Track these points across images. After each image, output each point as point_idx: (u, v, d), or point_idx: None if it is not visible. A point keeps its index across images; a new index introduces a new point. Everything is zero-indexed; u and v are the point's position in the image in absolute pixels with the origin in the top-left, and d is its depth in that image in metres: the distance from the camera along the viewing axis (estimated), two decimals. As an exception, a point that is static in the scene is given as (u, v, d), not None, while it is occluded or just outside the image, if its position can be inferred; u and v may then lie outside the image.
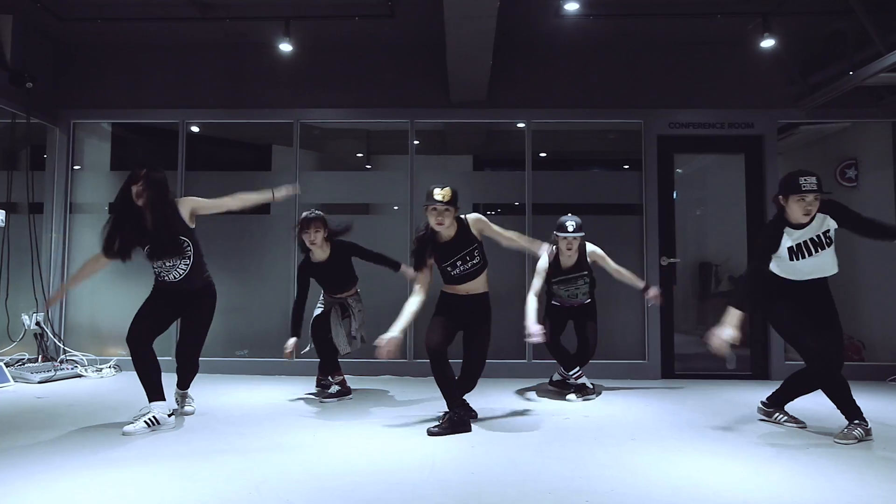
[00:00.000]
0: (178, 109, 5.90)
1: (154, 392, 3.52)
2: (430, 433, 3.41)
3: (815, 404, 3.80)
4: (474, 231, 3.67)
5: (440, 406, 4.00)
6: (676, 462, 2.89)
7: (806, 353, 3.40)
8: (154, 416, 3.44)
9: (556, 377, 4.84)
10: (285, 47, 5.37)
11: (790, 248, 3.40)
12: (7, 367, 5.00)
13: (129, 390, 4.66)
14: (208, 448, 3.10)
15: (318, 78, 5.91)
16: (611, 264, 4.62)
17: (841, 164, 6.29)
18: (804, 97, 5.57)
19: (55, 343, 5.68)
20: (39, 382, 4.99)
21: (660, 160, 5.76)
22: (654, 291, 4.65)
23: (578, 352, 4.70)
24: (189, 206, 3.68)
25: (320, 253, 4.36)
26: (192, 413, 3.90)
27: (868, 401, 4.46)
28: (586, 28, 5.43)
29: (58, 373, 5.18)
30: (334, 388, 4.49)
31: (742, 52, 5.67)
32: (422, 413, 3.94)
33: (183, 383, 3.94)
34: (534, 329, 4.05)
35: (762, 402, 3.84)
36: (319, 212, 4.39)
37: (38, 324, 5.59)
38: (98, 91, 5.98)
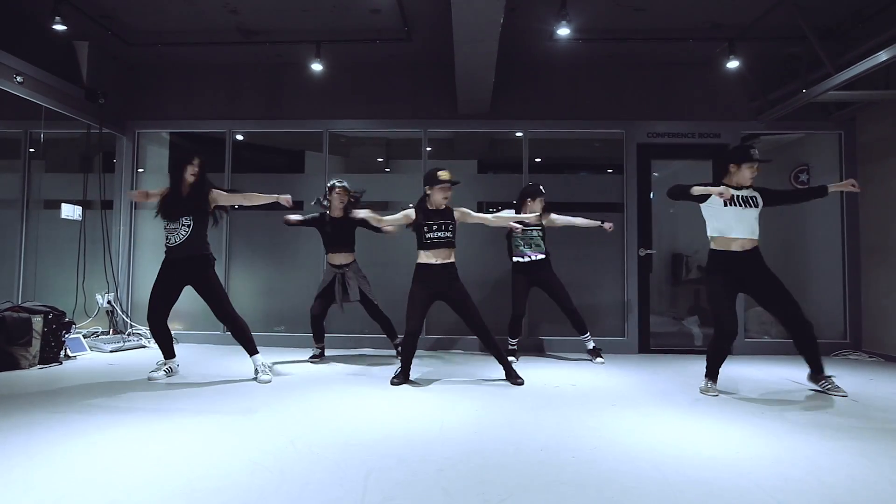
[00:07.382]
0: (226, 120, 5.91)
1: (167, 352, 4.02)
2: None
3: (779, 378, 3.78)
4: (456, 214, 3.91)
5: (447, 375, 4.03)
6: (650, 424, 2.88)
7: (718, 324, 3.53)
8: (169, 367, 4.00)
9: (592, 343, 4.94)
10: (316, 67, 5.36)
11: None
12: (84, 338, 5.06)
13: (184, 359, 4.72)
14: (251, 408, 3.12)
15: (344, 93, 5.89)
16: (566, 218, 4.85)
17: (795, 170, 6.22)
18: (764, 111, 5.52)
19: (124, 319, 5.74)
20: (111, 351, 5.05)
21: (639, 165, 5.71)
22: (608, 224, 4.82)
23: (575, 322, 4.86)
24: (212, 193, 3.90)
25: (337, 211, 4.69)
26: (269, 382, 3.84)
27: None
28: (576, 50, 5.38)
29: (126, 344, 5.24)
30: (316, 351, 4.85)
31: (710, 71, 5.62)
32: (431, 381, 3.95)
33: (250, 349, 3.97)
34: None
35: (808, 377, 3.71)
36: (345, 182, 4.72)
37: (109, 302, 5.65)
38: (158, 105, 5.99)
